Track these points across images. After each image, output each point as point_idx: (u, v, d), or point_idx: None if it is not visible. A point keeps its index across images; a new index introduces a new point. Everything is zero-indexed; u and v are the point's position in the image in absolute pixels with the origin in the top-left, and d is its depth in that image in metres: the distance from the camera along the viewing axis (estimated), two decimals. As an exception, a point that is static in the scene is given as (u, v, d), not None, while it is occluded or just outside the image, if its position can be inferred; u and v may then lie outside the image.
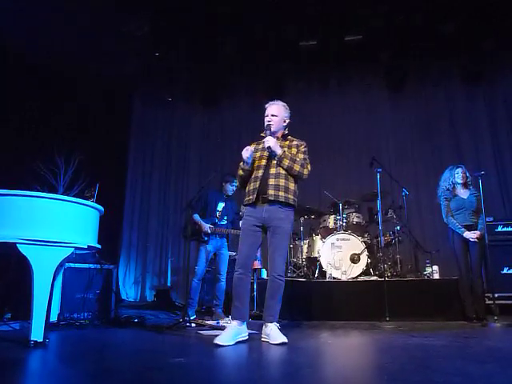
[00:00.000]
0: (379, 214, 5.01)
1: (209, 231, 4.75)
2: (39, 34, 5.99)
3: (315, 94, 7.87)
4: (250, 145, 3.46)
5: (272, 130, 3.31)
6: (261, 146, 3.39)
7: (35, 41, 6.05)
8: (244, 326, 3.14)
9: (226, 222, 4.90)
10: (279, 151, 3.24)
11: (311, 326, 4.13)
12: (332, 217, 6.00)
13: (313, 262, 5.80)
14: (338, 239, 5.52)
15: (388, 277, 5.13)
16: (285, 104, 3.46)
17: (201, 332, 3.69)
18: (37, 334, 2.66)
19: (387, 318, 4.34)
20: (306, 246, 5.93)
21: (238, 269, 3.19)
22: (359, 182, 6.90)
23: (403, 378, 2.00)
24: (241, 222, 3.37)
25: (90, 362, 2.46)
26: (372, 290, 4.86)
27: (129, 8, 6.00)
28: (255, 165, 3.34)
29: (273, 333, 3.06)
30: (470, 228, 4.52)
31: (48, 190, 3.53)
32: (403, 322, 4.38)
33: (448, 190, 4.67)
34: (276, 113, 3.38)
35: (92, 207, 3.12)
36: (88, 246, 3.01)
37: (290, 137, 3.46)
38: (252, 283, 5.10)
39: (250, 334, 3.59)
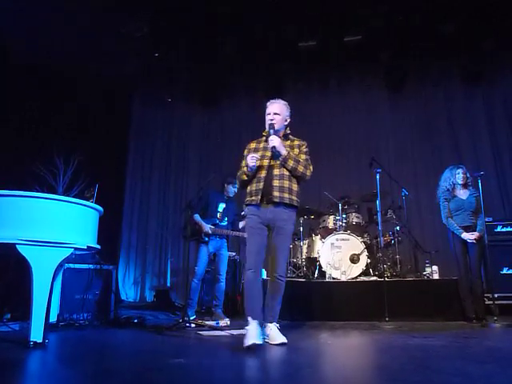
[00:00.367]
0: (379, 215, 5.01)
1: (209, 232, 4.74)
2: (39, 34, 5.98)
3: (315, 93, 7.86)
4: (249, 143, 3.43)
5: (275, 128, 3.26)
6: (262, 146, 3.34)
7: (35, 41, 6.05)
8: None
9: (226, 222, 4.90)
10: (284, 152, 3.19)
11: (311, 327, 4.13)
12: (331, 217, 6.00)
13: (312, 262, 5.80)
14: (337, 239, 5.51)
15: (388, 277, 5.13)
16: (286, 103, 3.41)
17: (200, 332, 3.69)
18: (36, 334, 2.66)
19: (387, 319, 4.34)
20: (306, 246, 5.94)
21: (250, 268, 3.10)
22: (359, 182, 6.90)
23: (403, 378, 2.00)
24: (243, 222, 3.36)
25: (90, 362, 2.46)
26: (372, 290, 4.86)
27: (128, 8, 5.99)
28: (257, 165, 3.28)
29: (273, 333, 3.05)
30: (469, 229, 4.52)
31: (47, 191, 3.54)
32: (403, 322, 4.38)
33: (448, 190, 4.67)
34: (278, 111, 3.32)
35: (91, 208, 3.12)
36: (87, 246, 3.02)
37: (290, 136, 3.41)
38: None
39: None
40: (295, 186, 3.27)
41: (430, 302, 4.72)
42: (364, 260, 5.38)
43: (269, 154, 3.25)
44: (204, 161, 8.26)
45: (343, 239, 5.51)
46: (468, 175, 4.66)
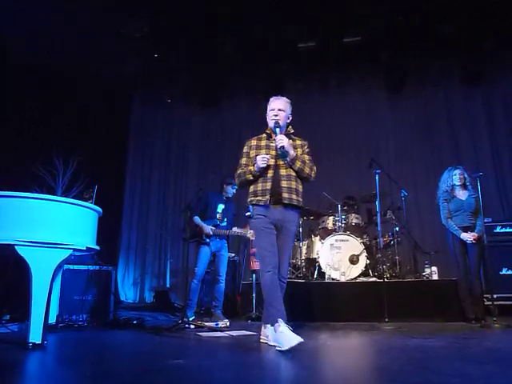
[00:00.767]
0: (378, 215, 5.01)
1: (211, 233, 4.74)
2: (39, 34, 5.98)
3: (315, 94, 7.86)
4: (249, 140, 3.34)
5: (281, 125, 3.17)
6: (263, 143, 3.26)
7: (35, 41, 6.04)
8: None
9: (226, 223, 4.90)
10: (292, 152, 3.12)
11: (310, 327, 4.13)
12: (331, 218, 6.00)
13: (312, 263, 5.80)
14: (336, 240, 5.52)
15: (387, 278, 5.14)
16: (289, 100, 3.33)
17: (200, 333, 3.69)
18: (35, 335, 2.65)
19: (386, 319, 4.34)
20: (305, 247, 5.94)
21: (268, 269, 2.97)
22: (358, 182, 6.90)
23: (402, 379, 1.99)
24: (252, 221, 3.19)
25: (89, 363, 2.46)
26: (371, 291, 4.86)
27: (128, 8, 5.99)
28: None
29: (275, 335, 2.98)
30: (468, 229, 4.52)
31: (47, 192, 3.54)
32: (402, 322, 4.38)
33: (447, 191, 4.68)
34: (283, 107, 3.24)
35: (90, 209, 3.12)
36: (87, 247, 3.01)
37: (292, 136, 3.33)
38: (251, 284, 5.10)
39: (248, 336, 3.60)
40: (300, 187, 3.23)
41: (430, 303, 4.72)
42: (363, 261, 5.38)
43: (273, 152, 3.16)
44: (203, 161, 8.26)
45: (342, 240, 5.52)
46: (466, 176, 4.66)
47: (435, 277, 5.18)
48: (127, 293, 7.76)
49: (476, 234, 4.45)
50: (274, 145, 3.18)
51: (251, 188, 3.22)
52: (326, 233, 5.88)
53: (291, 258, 5.90)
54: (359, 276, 5.35)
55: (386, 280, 4.79)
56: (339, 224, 5.85)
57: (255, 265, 5.36)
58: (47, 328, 2.80)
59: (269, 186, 3.11)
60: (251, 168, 3.18)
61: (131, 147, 8.46)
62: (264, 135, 3.33)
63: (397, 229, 5.72)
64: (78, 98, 6.97)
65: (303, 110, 7.12)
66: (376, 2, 6.11)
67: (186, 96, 8.25)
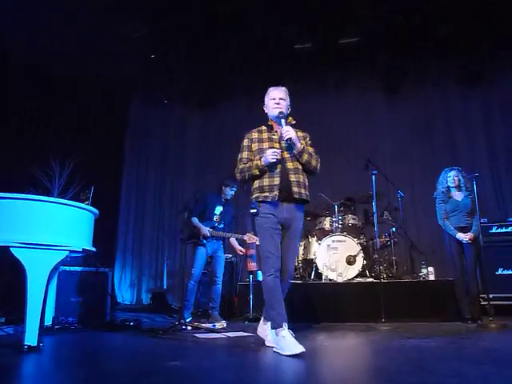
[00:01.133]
0: (375, 216, 5.02)
1: (208, 235, 4.73)
2: (39, 34, 5.97)
3: (313, 94, 7.84)
4: (250, 132, 3.18)
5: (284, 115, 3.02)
6: (265, 136, 3.10)
7: (35, 40, 6.03)
8: None
9: (223, 225, 4.88)
10: (299, 144, 2.98)
11: (307, 328, 4.13)
12: (328, 218, 6.01)
13: (309, 263, 5.80)
14: (333, 241, 5.52)
15: (384, 278, 5.15)
16: (287, 90, 3.21)
17: (197, 335, 3.68)
18: (31, 338, 2.64)
19: (383, 320, 4.34)
20: (302, 247, 5.93)
21: (271, 273, 2.85)
22: (355, 183, 6.90)
23: (399, 379, 2.00)
24: (257, 219, 3.00)
25: (85, 366, 2.45)
26: (368, 291, 4.86)
27: (126, 8, 5.97)
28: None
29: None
30: (464, 229, 4.53)
31: (43, 193, 3.52)
32: (399, 323, 4.38)
33: (443, 192, 4.70)
34: (283, 97, 3.12)
35: (87, 210, 3.10)
36: (83, 249, 3.00)
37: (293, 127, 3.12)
38: (248, 285, 5.10)
39: (246, 337, 3.59)
40: (307, 181, 3.09)
41: (426, 303, 4.73)
42: (360, 261, 5.39)
43: (277, 145, 3.03)
44: (201, 162, 8.24)
45: (339, 241, 5.52)
46: (461, 178, 4.67)
47: (432, 277, 5.20)
48: (124, 294, 7.74)
49: (472, 234, 4.46)
50: (276, 137, 3.06)
51: (256, 183, 3.04)
52: (322, 233, 5.88)
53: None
54: (356, 277, 5.35)
55: (382, 280, 4.79)
56: (336, 225, 5.86)
57: (252, 266, 5.36)
58: (43, 330, 2.79)
59: (277, 180, 2.95)
60: (257, 162, 2.98)
61: (128, 148, 8.45)
62: (264, 127, 3.18)
63: (393, 229, 5.74)
64: (75, 98, 6.96)
65: (301, 111, 7.10)
66: (374, 3, 6.10)
67: (183, 97, 8.24)
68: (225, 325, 4.39)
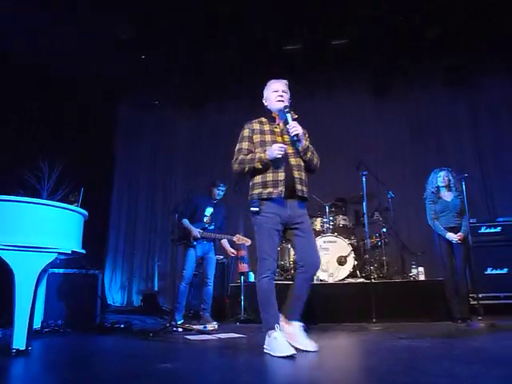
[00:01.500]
0: (365, 217, 5.05)
1: (198, 236, 4.72)
2: (39, 34, 5.92)
3: (305, 95, 7.85)
4: (251, 123, 3.03)
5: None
6: (267, 128, 2.97)
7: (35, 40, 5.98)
8: None
9: (213, 227, 4.87)
10: (304, 141, 2.89)
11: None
12: (319, 219, 6.03)
13: (300, 264, 5.79)
14: (324, 241, 5.54)
15: (374, 279, 5.16)
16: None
17: (188, 337, 3.67)
18: (19, 341, 2.60)
19: (374, 320, 4.36)
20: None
21: (267, 274, 2.79)
22: (346, 184, 6.93)
23: (390, 379, 2.00)
24: (257, 218, 2.87)
25: (74, 369, 2.42)
26: (359, 291, 4.88)
27: (117, 8, 5.93)
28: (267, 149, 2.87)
29: (300, 335, 2.85)
30: (454, 229, 4.57)
31: (31, 195, 3.48)
32: (390, 323, 4.40)
33: (433, 193, 4.74)
34: (286, 90, 3.02)
35: (76, 212, 3.07)
36: (72, 251, 2.97)
37: None
38: (239, 287, 5.09)
39: (237, 338, 3.59)
40: (307, 179, 3.00)
41: (417, 303, 4.76)
42: (351, 262, 5.41)
43: (280, 138, 2.93)
44: (193, 163, 8.21)
45: (330, 241, 5.54)
46: (451, 178, 4.72)
47: (422, 277, 5.23)
48: (115, 296, 7.69)
49: (462, 234, 4.51)
50: (278, 130, 2.97)
51: (258, 178, 2.90)
52: (314, 234, 5.88)
53: (279, 260, 5.90)
54: (347, 277, 5.37)
55: (373, 281, 4.82)
56: (327, 225, 5.88)
57: (243, 267, 5.36)
58: (32, 334, 2.75)
59: (281, 176, 2.83)
60: (262, 155, 2.83)
61: (119, 149, 8.39)
62: (264, 119, 3.05)
63: (384, 230, 5.77)
64: (66, 99, 6.91)
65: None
66: (366, 5, 6.12)
67: (174, 98, 8.21)
68: (216, 326, 4.38)
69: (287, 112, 2.89)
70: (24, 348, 2.61)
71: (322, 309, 4.82)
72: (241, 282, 5.12)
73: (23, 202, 2.73)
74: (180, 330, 4.01)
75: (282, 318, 2.87)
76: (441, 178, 4.71)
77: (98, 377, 2.18)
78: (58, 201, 3.23)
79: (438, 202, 4.70)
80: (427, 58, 7.13)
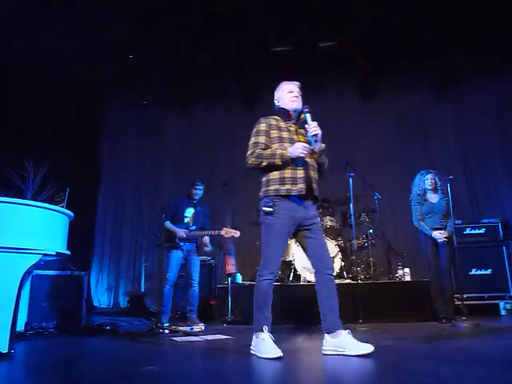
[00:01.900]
0: (352, 218, 5.07)
1: (184, 235, 4.70)
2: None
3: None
4: (267, 118, 2.97)
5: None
6: (283, 125, 2.93)
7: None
8: None
9: (194, 227, 4.84)
10: (320, 143, 2.84)
11: (285, 330, 4.13)
12: (306, 220, 6.03)
13: (287, 265, 5.80)
14: (312, 243, 5.54)
15: (361, 279, 5.20)
16: None
17: (174, 338, 3.64)
18: (1, 344, 2.55)
19: (360, 321, 4.38)
20: (281, 249, 5.94)
21: (270, 275, 2.76)
22: (333, 185, 6.95)
23: (377, 380, 2.02)
24: (267, 218, 2.78)
25: (58, 372, 2.38)
26: (345, 292, 4.86)
27: (108, 8, 5.87)
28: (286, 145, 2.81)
29: (353, 341, 2.61)
30: (439, 231, 4.62)
31: (16, 194, 3.42)
32: (376, 323, 4.43)
33: (419, 194, 4.79)
34: (300, 91, 3.01)
35: (61, 212, 3.03)
36: (57, 252, 2.92)
37: None
38: (226, 288, 5.07)
39: (223, 340, 3.58)
40: None
41: (403, 304, 4.80)
42: (338, 263, 5.43)
43: (296, 137, 2.89)
44: (180, 163, 8.16)
45: (318, 242, 5.54)
46: (437, 180, 4.78)
47: (408, 278, 5.28)
48: (101, 298, 7.61)
49: (447, 233, 4.56)
50: (293, 129, 2.94)
51: (275, 174, 2.80)
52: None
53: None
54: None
55: (360, 282, 4.85)
56: (314, 227, 5.88)
57: (230, 268, 5.35)
58: (15, 336, 2.71)
59: (300, 173, 2.78)
60: (284, 152, 2.75)
61: (106, 150, 8.31)
62: (277, 117, 3.00)
63: (371, 231, 5.81)
64: (49, 98, 6.82)
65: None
66: (357, 7, 6.14)
67: (162, 98, 8.15)
68: (203, 328, 4.37)
69: (307, 112, 2.85)
70: (7, 351, 2.57)
71: (309, 310, 4.80)
72: (228, 284, 5.11)
73: (5, 203, 2.68)
74: (166, 331, 3.99)
75: (327, 336, 2.70)
76: (428, 180, 4.77)
77: (81, 379, 2.15)
78: (42, 201, 3.18)
79: (424, 203, 4.75)
80: (415, 60, 7.20)
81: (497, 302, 5.38)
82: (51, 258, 3.26)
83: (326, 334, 2.72)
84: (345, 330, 2.68)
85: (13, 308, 2.62)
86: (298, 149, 2.71)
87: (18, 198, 2.84)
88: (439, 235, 4.56)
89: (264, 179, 2.87)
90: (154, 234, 5.59)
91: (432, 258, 4.61)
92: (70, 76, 6.75)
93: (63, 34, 6.01)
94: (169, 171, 8.23)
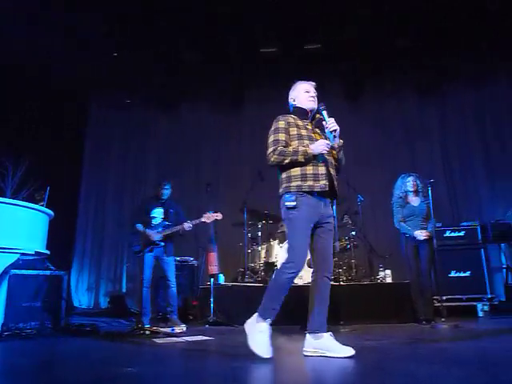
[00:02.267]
0: (335, 220, 5.10)
1: (158, 237, 4.66)
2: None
3: (274, 99, 7.88)
4: (285, 116, 2.99)
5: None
6: (301, 123, 2.94)
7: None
8: None
9: (166, 225, 4.80)
10: (338, 139, 2.88)
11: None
12: (289, 222, 6.04)
13: (270, 266, 5.80)
14: (294, 244, 5.55)
15: (343, 281, 5.23)
16: None
17: (155, 340, 3.61)
18: (-23, 345, 2.50)
19: (342, 322, 4.41)
20: (264, 250, 5.94)
21: (295, 271, 2.71)
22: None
23: (357, 380, 2.03)
24: (292, 213, 2.74)
25: (36, 374, 2.34)
26: (328, 294, 4.92)
27: (85, 8, 5.81)
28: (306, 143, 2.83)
29: (334, 343, 2.64)
30: (420, 234, 4.69)
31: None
32: (358, 325, 4.47)
33: (401, 197, 4.84)
34: (316, 93, 3.07)
35: (40, 211, 2.99)
36: (36, 251, 2.87)
37: None
38: (209, 289, 5.05)
39: (205, 341, 3.56)
40: None
41: (384, 305, 4.85)
42: (320, 264, 5.44)
43: (313, 135, 2.91)
44: (163, 164, 8.10)
45: (300, 244, 5.55)
46: (418, 183, 4.84)
47: (389, 280, 5.33)
48: (81, 298, 7.51)
49: (428, 232, 4.63)
50: (310, 127, 2.97)
51: (296, 170, 2.79)
52: (284, 237, 5.91)
53: (249, 262, 5.90)
54: (316, 279, 5.41)
55: (342, 283, 4.88)
56: (297, 228, 5.90)
57: (213, 269, 5.32)
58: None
59: (323, 170, 2.79)
60: (306, 149, 2.76)
61: (88, 149, 8.22)
62: (294, 116, 3.01)
63: (353, 233, 5.85)
64: (32, 97, 6.70)
65: (263, 119, 7.17)
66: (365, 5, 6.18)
67: (146, 98, 8.10)
68: (184, 329, 4.34)
69: (323, 109, 2.92)
70: (-18, 352, 2.51)
71: (291, 311, 4.83)
72: (210, 284, 5.09)
73: (-16, 201, 2.63)
74: (147, 332, 3.95)
75: (309, 337, 2.71)
76: (410, 183, 4.83)
77: (59, 381, 2.11)
78: (22, 199, 3.12)
79: (406, 206, 4.81)
80: (399, 64, 7.31)
81: (475, 303, 5.49)
82: (30, 258, 3.21)
83: (308, 334, 2.72)
84: (327, 332, 2.68)
85: (-11, 308, 2.57)
86: (321, 145, 2.75)
87: (-4, 196, 2.79)
88: (420, 233, 4.62)
89: (284, 176, 2.86)
90: (128, 244, 5.49)
91: (412, 260, 4.66)
92: (56, 74, 6.66)
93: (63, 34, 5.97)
94: (152, 172, 8.17)
